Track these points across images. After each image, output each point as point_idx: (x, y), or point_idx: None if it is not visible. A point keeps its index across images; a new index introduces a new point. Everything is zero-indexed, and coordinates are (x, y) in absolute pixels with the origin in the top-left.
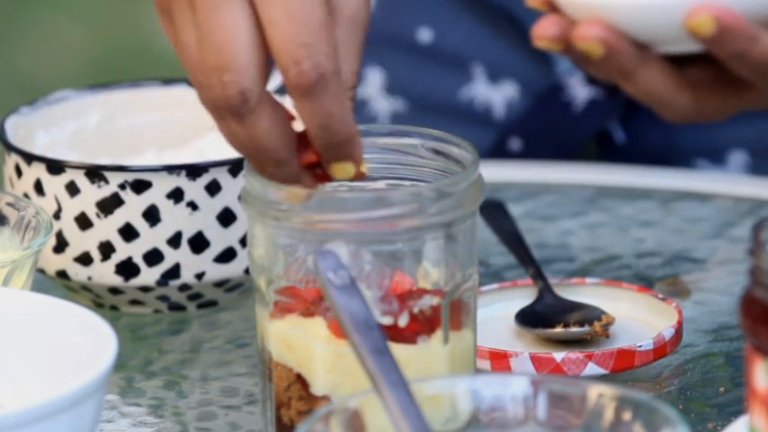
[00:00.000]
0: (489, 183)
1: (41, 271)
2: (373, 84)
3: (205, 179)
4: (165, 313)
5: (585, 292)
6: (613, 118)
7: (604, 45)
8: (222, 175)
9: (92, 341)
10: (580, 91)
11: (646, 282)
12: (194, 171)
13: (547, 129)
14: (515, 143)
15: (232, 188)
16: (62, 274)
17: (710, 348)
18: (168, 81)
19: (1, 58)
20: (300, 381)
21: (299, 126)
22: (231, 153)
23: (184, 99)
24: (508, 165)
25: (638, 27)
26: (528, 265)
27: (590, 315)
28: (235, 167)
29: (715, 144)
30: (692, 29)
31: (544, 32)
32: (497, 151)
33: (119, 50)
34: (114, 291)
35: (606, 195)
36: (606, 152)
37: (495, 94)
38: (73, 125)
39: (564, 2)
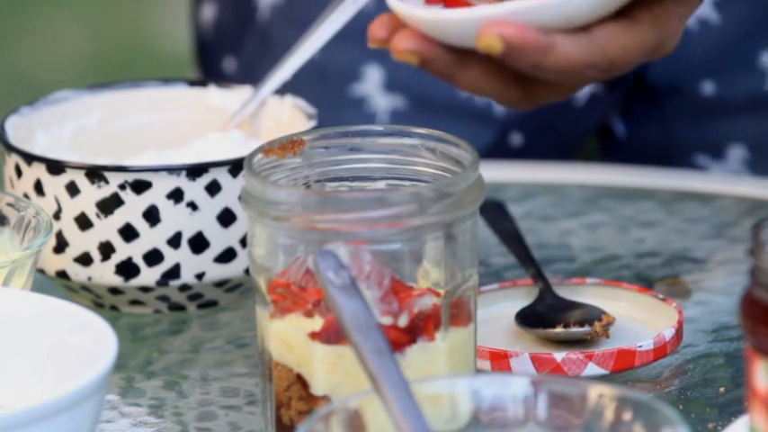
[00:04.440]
0: (489, 183)
1: (41, 271)
2: (373, 81)
3: (205, 179)
4: (165, 313)
5: (586, 292)
6: (614, 111)
7: (417, 55)
8: (222, 175)
9: (92, 341)
10: None
11: (646, 282)
12: (194, 171)
13: (548, 124)
14: (516, 138)
15: (232, 188)
16: (62, 275)
17: (711, 348)
18: (168, 81)
19: (1, 58)
20: (300, 381)
21: None
22: (231, 153)
23: (184, 99)
24: (508, 165)
25: (447, 37)
26: (528, 265)
27: (590, 315)
28: (235, 167)
29: (714, 139)
30: (483, 48)
31: (374, 34)
32: (498, 147)
33: (119, 50)
34: (114, 291)
35: (606, 195)
36: (607, 146)
37: None
38: (73, 125)
39: (390, 6)
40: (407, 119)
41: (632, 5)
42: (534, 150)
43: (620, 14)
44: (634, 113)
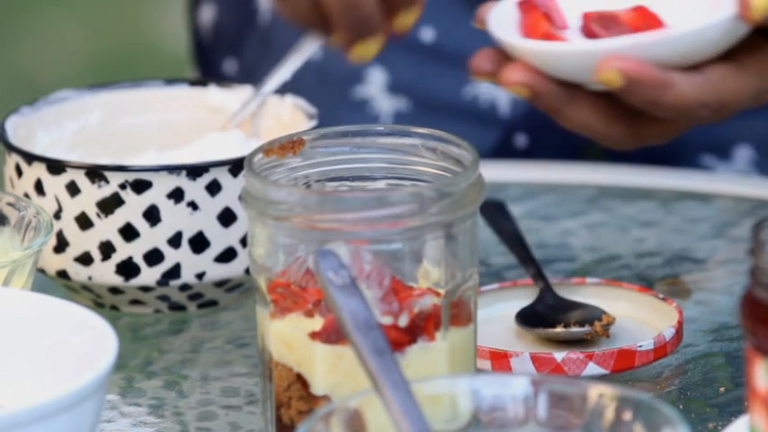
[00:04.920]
0: (490, 183)
1: (42, 271)
2: (376, 83)
3: (205, 179)
4: (165, 313)
5: (586, 292)
6: None
7: (528, 88)
8: (222, 175)
9: (92, 341)
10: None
11: (646, 282)
12: (194, 171)
13: (553, 125)
14: (521, 140)
15: (232, 188)
16: (62, 274)
17: (711, 348)
18: (169, 81)
19: (1, 58)
20: (300, 381)
21: None
22: (231, 153)
23: (184, 99)
24: (509, 164)
25: (560, 71)
26: (528, 265)
27: (590, 315)
28: (235, 167)
29: (721, 140)
30: (603, 81)
31: (479, 67)
32: (503, 148)
33: (119, 50)
34: (114, 291)
35: (606, 195)
36: (612, 149)
37: (500, 92)
38: (73, 125)
39: (499, 41)
40: (411, 121)
41: (737, 51)
42: (539, 152)
43: (726, 58)
44: None
